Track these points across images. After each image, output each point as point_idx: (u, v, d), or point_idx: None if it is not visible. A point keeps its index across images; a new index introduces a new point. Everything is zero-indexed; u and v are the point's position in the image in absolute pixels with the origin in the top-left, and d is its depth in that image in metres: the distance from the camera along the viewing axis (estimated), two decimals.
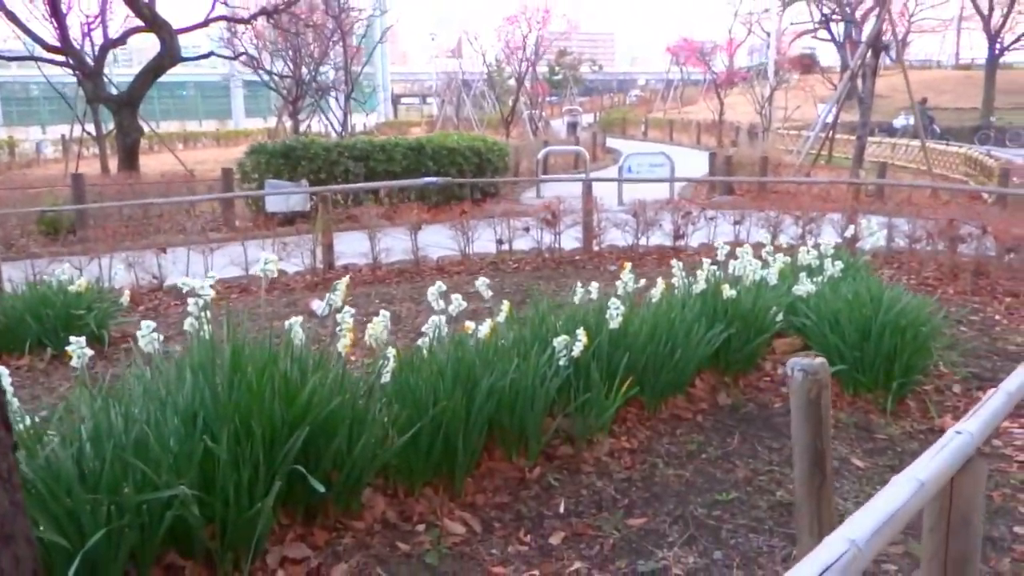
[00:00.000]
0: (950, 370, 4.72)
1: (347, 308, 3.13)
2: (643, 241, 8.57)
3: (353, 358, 4.63)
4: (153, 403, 2.51)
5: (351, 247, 8.25)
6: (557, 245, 8.40)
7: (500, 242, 8.29)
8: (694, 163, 17.35)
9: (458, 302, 3.41)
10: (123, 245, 9.02)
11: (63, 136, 21.36)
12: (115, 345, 5.38)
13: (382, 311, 3.21)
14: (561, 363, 3.42)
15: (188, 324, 2.76)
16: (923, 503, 1.45)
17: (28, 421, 2.34)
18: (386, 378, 2.96)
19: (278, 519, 2.68)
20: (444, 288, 3.37)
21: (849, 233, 5.89)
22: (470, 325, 3.19)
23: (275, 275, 3.12)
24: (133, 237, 10.28)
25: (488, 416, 3.20)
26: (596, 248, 8.57)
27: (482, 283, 3.89)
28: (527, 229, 8.10)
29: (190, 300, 2.77)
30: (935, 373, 4.66)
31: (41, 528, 2.10)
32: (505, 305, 3.54)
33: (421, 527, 2.90)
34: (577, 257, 8.38)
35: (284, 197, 10.49)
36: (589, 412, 3.50)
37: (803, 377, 2.42)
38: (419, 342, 3.40)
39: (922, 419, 4.14)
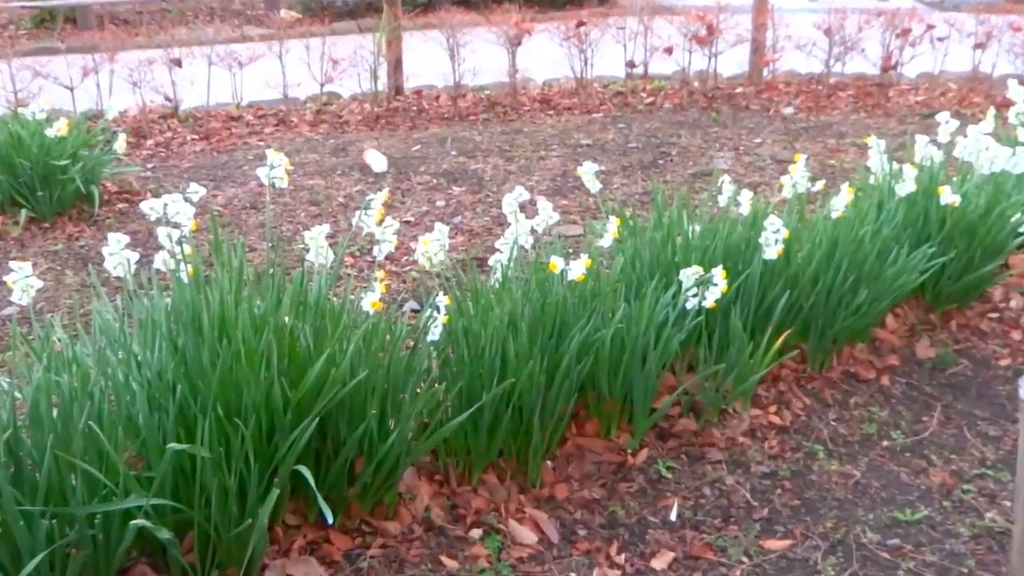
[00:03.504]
0: None
1: (388, 222, 2.93)
2: (837, 68, 7.97)
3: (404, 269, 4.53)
4: (114, 369, 2.44)
5: (427, 63, 7.99)
6: (712, 70, 7.92)
7: (632, 65, 7.86)
8: None
9: (547, 213, 3.17)
10: (134, 42, 9.02)
11: None
12: (109, 204, 5.42)
13: (438, 225, 3.00)
14: (688, 306, 3.19)
15: (160, 262, 2.64)
16: None
17: None
18: (435, 335, 2.80)
19: (283, 521, 2.64)
20: (524, 196, 3.12)
21: None
22: (557, 263, 2.96)
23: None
24: (148, 30, 10.27)
25: (580, 377, 3.04)
26: (767, 76, 8.05)
27: (588, 170, 3.61)
28: (669, 50, 7.60)
29: (160, 231, 2.63)
30: None
31: None
32: (612, 222, 3.28)
33: (477, 532, 2.82)
34: (739, 90, 7.90)
35: None
36: (725, 374, 3.29)
37: None
38: (491, 260, 3.21)
39: None
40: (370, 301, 2.66)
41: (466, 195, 5.63)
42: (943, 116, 4.30)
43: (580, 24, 7.72)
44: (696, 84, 7.86)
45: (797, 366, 3.67)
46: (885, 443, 3.35)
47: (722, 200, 3.69)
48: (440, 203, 5.51)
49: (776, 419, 3.41)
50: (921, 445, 3.34)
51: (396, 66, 7.73)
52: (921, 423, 3.47)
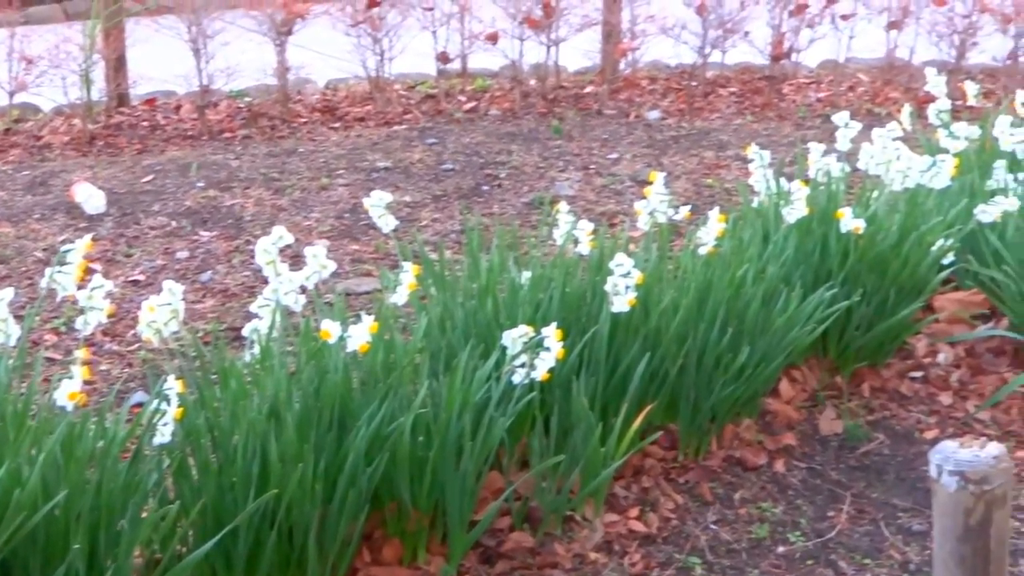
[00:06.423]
0: None
1: (97, 282, 2.93)
2: (715, 58, 8.31)
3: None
4: None
5: (161, 62, 7.97)
6: (552, 64, 8.14)
7: (445, 58, 8.01)
8: None
9: (319, 263, 3.22)
10: None
11: None
12: None
13: (168, 284, 3.02)
14: (516, 379, 3.27)
15: None
16: None
17: None
18: (164, 436, 2.80)
19: None
20: (287, 239, 3.18)
21: None
22: (330, 330, 3.01)
23: None
24: None
25: (372, 484, 3.08)
26: (625, 70, 8.33)
27: (378, 202, 3.69)
28: (493, 38, 7.80)
29: None
30: None
31: None
32: (408, 273, 3.35)
33: None
34: (589, 89, 8.17)
35: None
36: (569, 469, 3.38)
37: (958, 487, 2.31)
38: (246, 329, 3.24)
39: None
40: (67, 392, 2.64)
41: (218, 242, 5.63)
42: (841, 117, 4.56)
43: (373, 4, 7.84)
44: (532, 83, 8.06)
45: (665, 453, 3.78)
46: (781, 549, 3.47)
47: (558, 236, 3.79)
48: (182, 254, 5.49)
49: (639, 525, 3.49)
50: (827, 549, 3.49)
51: (118, 66, 7.68)
52: (827, 520, 3.62)
